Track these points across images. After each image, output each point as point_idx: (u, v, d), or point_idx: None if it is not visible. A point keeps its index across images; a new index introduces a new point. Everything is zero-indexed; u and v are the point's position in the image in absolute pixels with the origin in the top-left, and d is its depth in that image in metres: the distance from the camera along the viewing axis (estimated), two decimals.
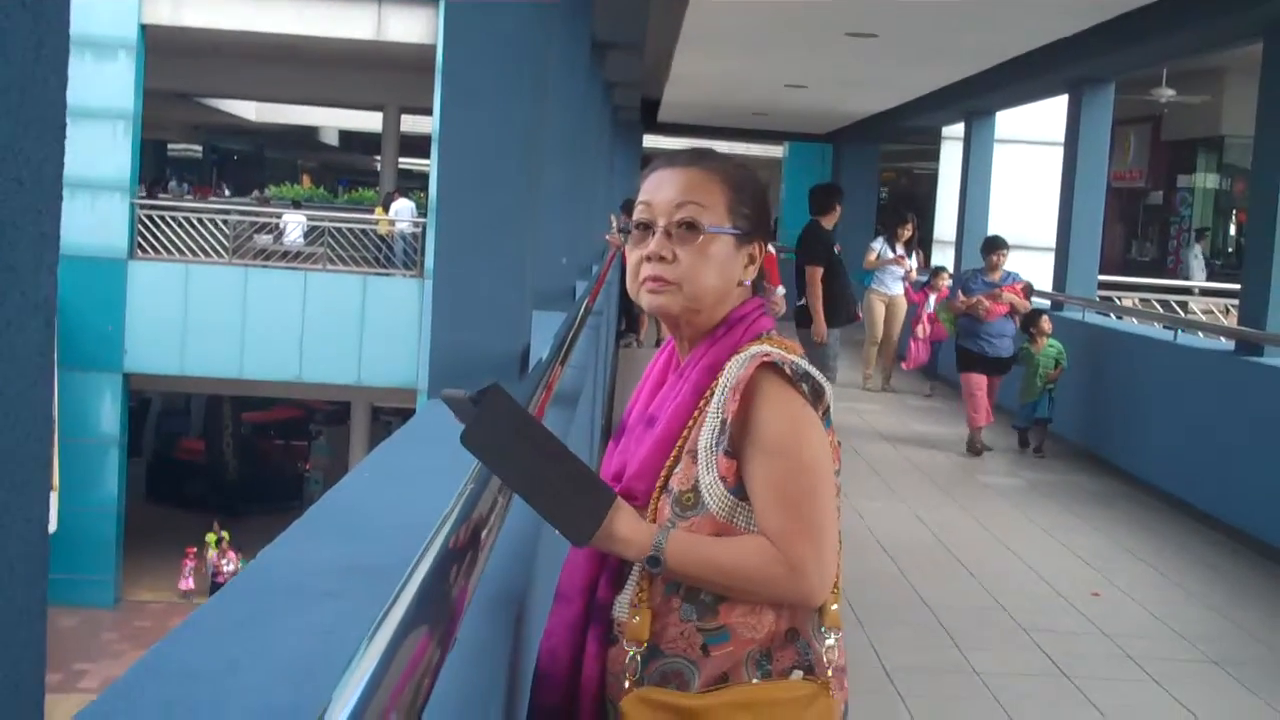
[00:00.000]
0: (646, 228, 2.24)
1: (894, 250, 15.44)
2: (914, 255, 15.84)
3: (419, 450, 3.53)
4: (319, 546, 2.53)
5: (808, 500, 2.12)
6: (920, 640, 6.48)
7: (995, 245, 12.18)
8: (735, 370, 2.15)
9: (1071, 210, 13.81)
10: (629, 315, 18.36)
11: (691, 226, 2.20)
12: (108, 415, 20.23)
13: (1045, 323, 11.84)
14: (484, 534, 2.02)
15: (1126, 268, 27.61)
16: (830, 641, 2.18)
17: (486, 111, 4.47)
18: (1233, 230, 28.77)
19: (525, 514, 2.95)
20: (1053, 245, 14.57)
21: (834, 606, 2.20)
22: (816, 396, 2.15)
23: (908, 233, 15.56)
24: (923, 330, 14.72)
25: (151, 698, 1.75)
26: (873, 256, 15.57)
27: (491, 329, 4.41)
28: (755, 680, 2.11)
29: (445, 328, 4.45)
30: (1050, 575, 7.84)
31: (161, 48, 22.28)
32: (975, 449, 11.74)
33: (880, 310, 15.56)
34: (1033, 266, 17.58)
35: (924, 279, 15.58)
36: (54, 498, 17.68)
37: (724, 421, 2.13)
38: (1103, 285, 15.81)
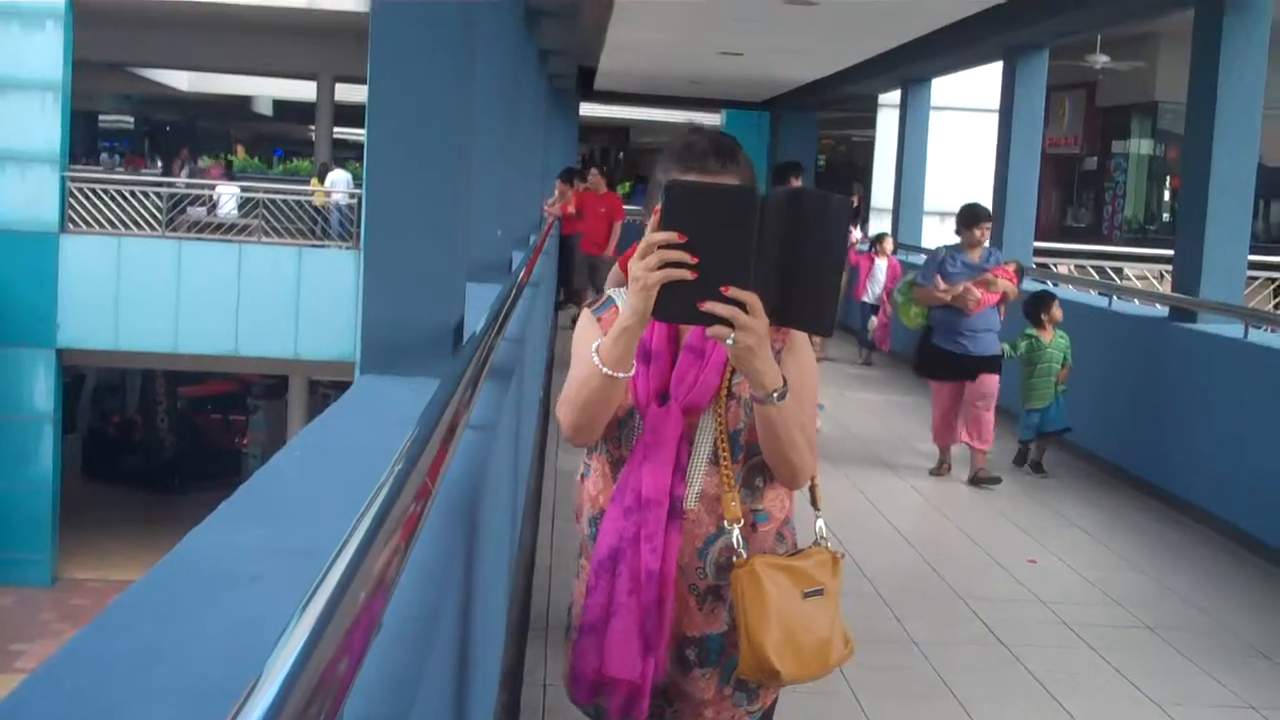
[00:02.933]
0: None
1: None
2: (857, 226, 15.85)
3: (351, 428, 3.49)
4: (246, 529, 2.48)
5: (814, 403, 2.84)
6: (857, 609, 6.50)
7: (976, 217, 9.63)
8: None
9: (1007, 177, 13.87)
10: (568, 286, 18.32)
11: None
12: (41, 391, 19.95)
13: (1056, 309, 9.87)
14: (413, 512, 1.99)
15: (1062, 234, 27.80)
16: (821, 520, 2.84)
17: (416, 79, 4.41)
18: (1166, 196, 29.02)
19: (462, 489, 2.93)
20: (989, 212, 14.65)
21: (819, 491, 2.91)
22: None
23: (854, 202, 15.43)
24: (887, 312, 14.72)
25: (71, 687, 1.71)
26: None
27: (425, 301, 4.35)
28: (780, 551, 2.77)
29: (377, 301, 4.39)
30: (986, 543, 7.89)
31: (91, 17, 21.94)
32: (939, 469, 9.82)
33: None
34: None
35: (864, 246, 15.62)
36: None
37: (775, 352, 2.60)
38: (1038, 252, 15.91)
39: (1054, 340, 9.81)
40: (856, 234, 15.61)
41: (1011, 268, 9.68)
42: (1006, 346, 9.67)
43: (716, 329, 2.36)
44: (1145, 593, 7.13)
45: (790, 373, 2.58)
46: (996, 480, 9.38)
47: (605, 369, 2.52)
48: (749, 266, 2.33)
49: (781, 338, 2.68)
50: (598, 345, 2.55)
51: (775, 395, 2.51)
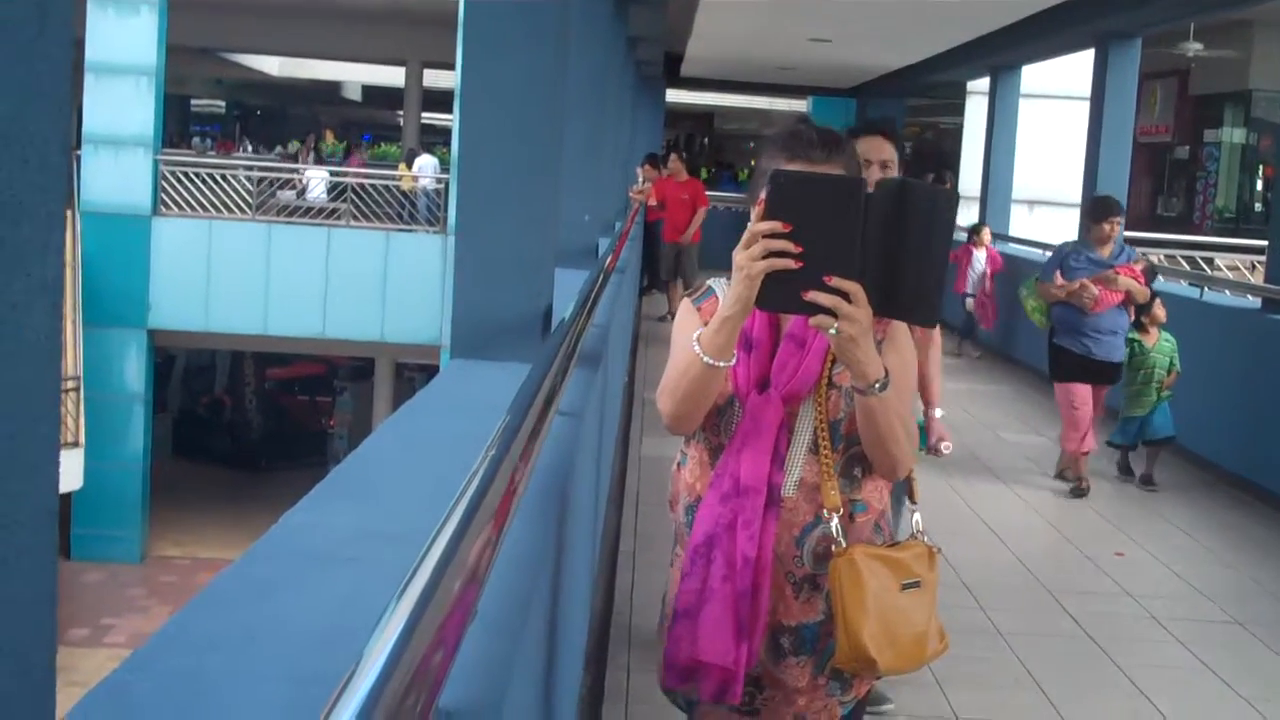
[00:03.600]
0: None
1: None
2: None
3: (443, 412, 3.51)
4: (341, 512, 2.51)
5: (910, 399, 2.81)
6: (943, 599, 6.44)
7: (1106, 210, 8.90)
8: None
9: (1097, 165, 13.68)
10: (652, 273, 18.31)
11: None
12: (133, 372, 20.24)
13: (1159, 309, 9.08)
14: (510, 499, 2.00)
15: (1153, 224, 27.44)
16: (917, 515, 2.92)
17: (508, 64, 4.42)
18: (1259, 186, 28.55)
19: (552, 475, 2.94)
20: (1078, 201, 14.47)
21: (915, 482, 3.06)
22: None
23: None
24: (986, 291, 14.81)
25: (171, 668, 1.73)
26: None
27: (515, 286, 4.37)
28: (877, 543, 2.76)
29: (468, 285, 4.41)
30: (1073, 536, 7.81)
31: (184, 2, 22.20)
32: (1077, 485, 8.92)
33: None
34: (1058, 223, 17.51)
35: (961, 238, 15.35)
36: (80, 454, 17.80)
37: (876, 342, 2.58)
38: (1128, 242, 15.70)
39: (1158, 344, 9.03)
40: None
41: (1140, 267, 8.96)
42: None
43: (820, 319, 2.38)
44: (1235, 588, 7.04)
45: (890, 363, 2.59)
46: (1081, 490, 8.83)
47: (706, 358, 2.55)
48: (854, 257, 2.35)
49: (881, 328, 2.66)
50: (699, 334, 2.57)
51: (877, 385, 2.52)
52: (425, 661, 1.34)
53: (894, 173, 4.15)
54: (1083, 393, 8.82)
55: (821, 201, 2.36)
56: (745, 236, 2.40)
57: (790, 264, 2.36)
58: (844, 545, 2.64)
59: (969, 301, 15.41)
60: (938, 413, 5.24)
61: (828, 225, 2.35)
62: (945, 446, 5.23)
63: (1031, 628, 6.20)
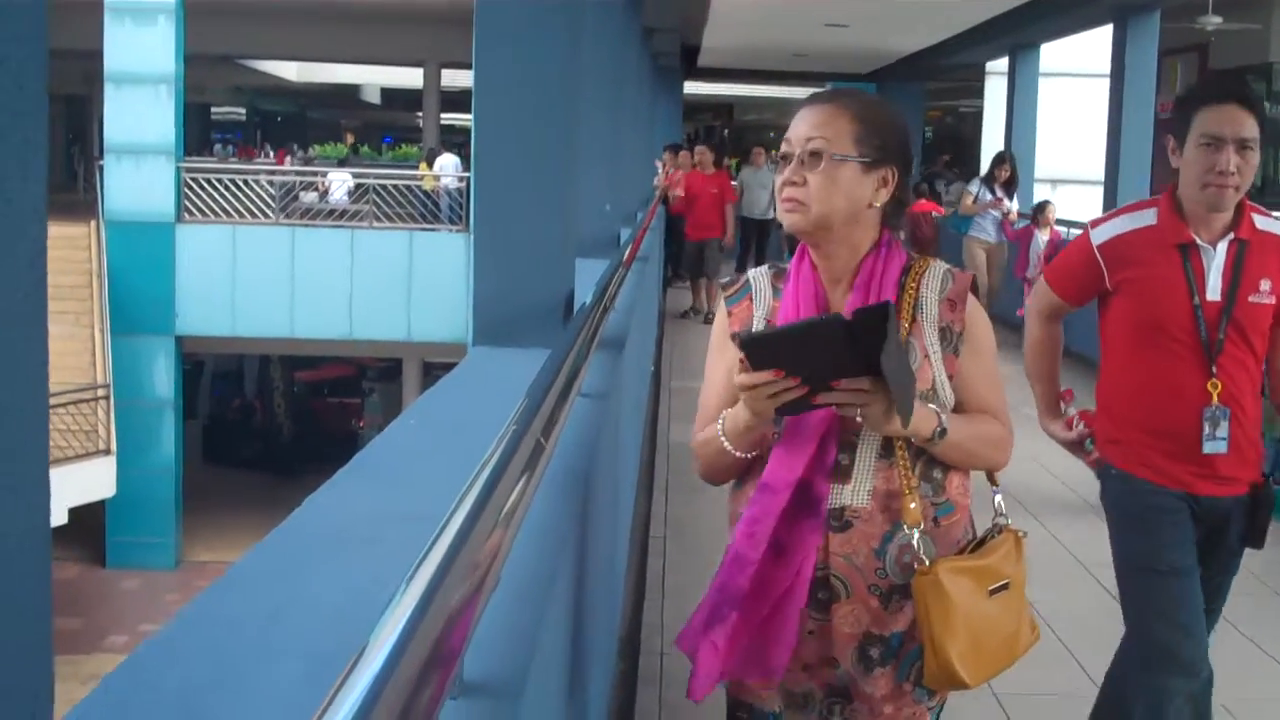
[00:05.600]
0: (786, 158, 2.57)
1: (993, 193, 14.19)
2: (1014, 198, 14.49)
3: (464, 397, 3.51)
4: (363, 494, 2.51)
5: (1001, 384, 2.72)
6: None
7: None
8: (941, 285, 2.61)
9: (1119, 142, 13.64)
10: (675, 264, 18.30)
11: (816, 155, 2.52)
12: (161, 378, 20.36)
13: None
14: (527, 476, 2.00)
15: None
16: (999, 498, 2.73)
17: (521, 56, 4.42)
18: None
19: (576, 454, 2.93)
20: (1101, 179, 14.40)
21: None
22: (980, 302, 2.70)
23: (1005, 174, 14.29)
24: (1034, 270, 13.39)
25: (194, 646, 1.74)
26: (970, 200, 14.37)
27: (535, 274, 4.37)
28: (965, 540, 2.64)
29: (488, 274, 4.41)
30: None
31: (201, 10, 22.27)
32: None
33: (982, 258, 14.23)
34: (1082, 201, 17.43)
35: (1024, 220, 14.44)
36: (112, 462, 17.91)
37: (949, 329, 2.59)
38: None
39: None
40: (1011, 205, 14.34)
41: None
42: None
43: (845, 408, 2.43)
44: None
45: (968, 369, 2.61)
46: None
47: (733, 450, 2.59)
48: (854, 371, 2.38)
49: (959, 318, 2.61)
50: (724, 423, 2.58)
51: (936, 436, 2.52)
52: (440, 638, 1.34)
53: (1255, 157, 3.42)
54: None
55: (801, 345, 2.38)
56: (738, 381, 2.43)
57: (793, 394, 2.39)
58: (926, 563, 2.50)
59: (1027, 287, 14.11)
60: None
61: (818, 357, 2.37)
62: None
63: (1065, 602, 6.17)
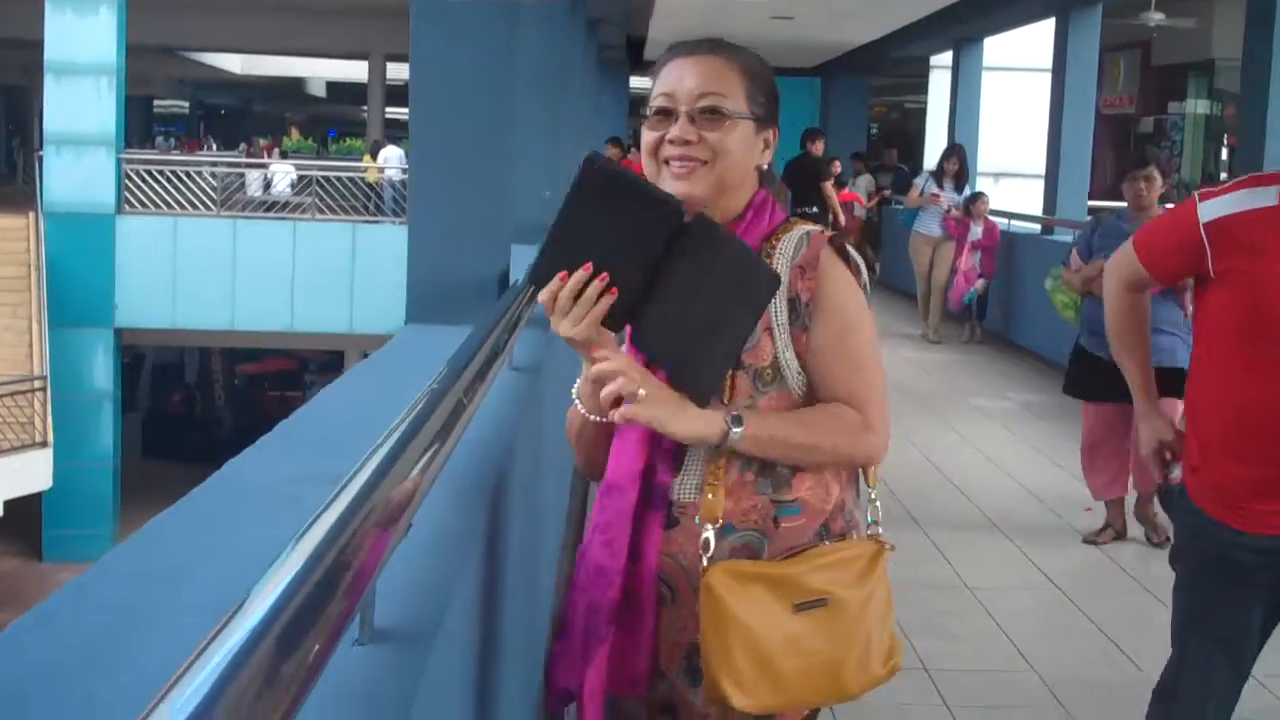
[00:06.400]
0: (668, 114, 2.25)
1: (941, 186, 14.04)
2: (963, 191, 14.11)
3: (392, 369, 3.51)
4: (285, 457, 2.51)
5: (871, 365, 2.29)
6: (911, 555, 6.48)
7: (1135, 163, 6.97)
8: (794, 250, 2.25)
9: (1060, 137, 13.73)
10: None
11: (715, 112, 2.23)
12: (100, 371, 20.20)
13: None
14: (444, 435, 2.00)
15: (1119, 195, 27.51)
16: (872, 495, 2.36)
17: (457, 41, 4.45)
18: (1224, 155, 28.68)
19: (502, 421, 2.93)
20: (1043, 172, 14.51)
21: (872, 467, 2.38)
22: (858, 274, 2.30)
23: (954, 167, 14.12)
24: (965, 262, 13.62)
25: (102, 598, 1.73)
26: (915, 193, 14.41)
27: (468, 252, 4.39)
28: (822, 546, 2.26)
29: (422, 252, 4.44)
30: (1041, 492, 7.84)
31: (144, 1, 22.11)
32: (1096, 536, 6.87)
33: (926, 252, 14.16)
34: (1022, 194, 17.55)
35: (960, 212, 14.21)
36: (49, 454, 17.75)
37: (798, 299, 2.22)
38: (1093, 213, 15.74)
39: None
40: (952, 198, 13.98)
41: None
42: None
43: (622, 411, 2.11)
44: None
45: (816, 343, 2.24)
46: (1165, 542, 6.50)
47: (584, 410, 2.31)
48: (637, 285, 2.09)
49: (810, 286, 2.23)
50: (578, 384, 2.33)
51: (732, 438, 2.16)
52: (336, 583, 1.34)
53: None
54: (1098, 414, 6.84)
55: (626, 210, 2.08)
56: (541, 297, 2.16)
57: (598, 300, 2.08)
58: (704, 563, 2.19)
59: (962, 280, 14.00)
60: None
61: (623, 236, 2.07)
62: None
63: (1000, 582, 6.22)
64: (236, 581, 1.76)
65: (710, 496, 2.20)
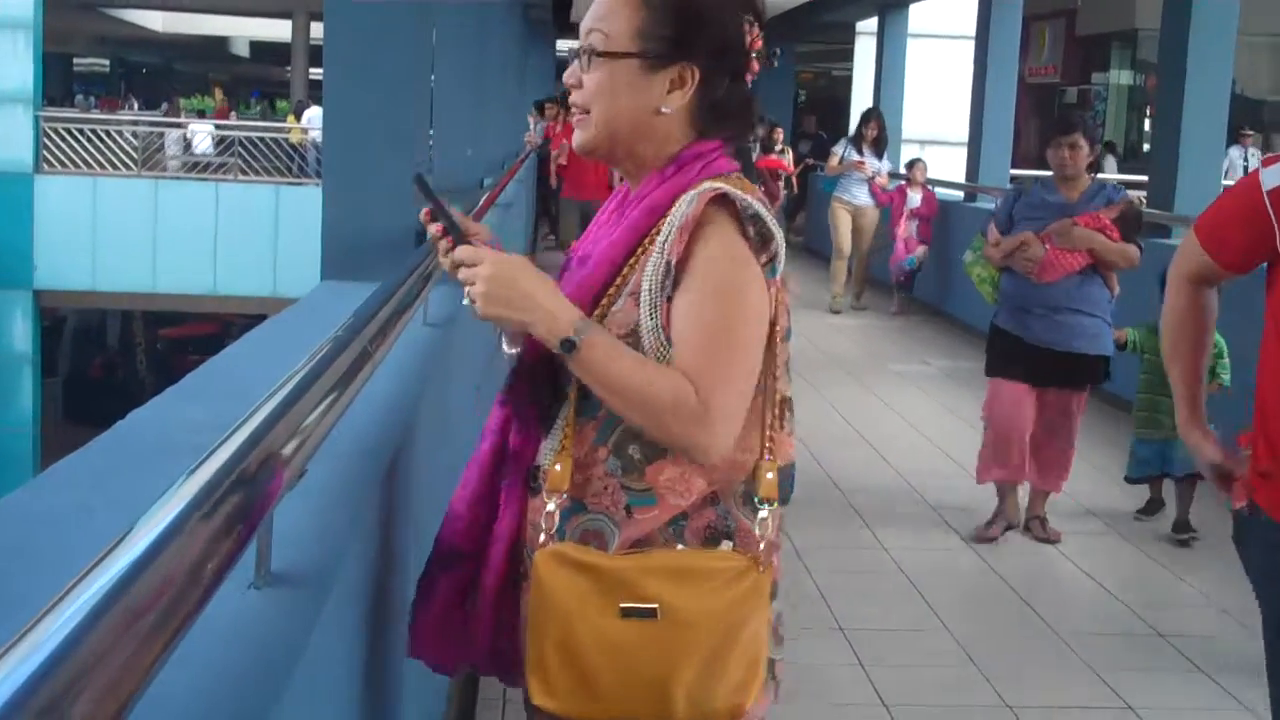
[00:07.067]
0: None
1: (860, 153, 13.75)
2: (884, 158, 14.10)
3: (304, 323, 3.50)
4: (192, 405, 2.50)
5: (733, 347, 1.94)
6: (829, 518, 6.54)
7: (1066, 126, 6.28)
8: (684, 209, 1.95)
9: (984, 103, 13.82)
10: (550, 216, 18.21)
11: (591, 52, 2.02)
12: (19, 333, 19.93)
13: None
14: (344, 383, 2.01)
15: (1044, 164, 27.75)
16: (764, 514, 2.01)
17: None
18: (1146, 126, 28.99)
19: (410, 374, 2.93)
20: (965, 140, 14.61)
21: (769, 475, 2.02)
22: (763, 241, 1.96)
23: (873, 132, 13.86)
24: (904, 229, 13.44)
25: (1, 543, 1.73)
26: (835, 161, 13.94)
27: (382, 208, 4.39)
28: (678, 546, 1.98)
29: (336, 207, 4.42)
30: (959, 455, 7.92)
31: None
32: (987, 528, 6.38)
33: (846, 221, 13.76)
34: (947, 161, 17.67)
35: (897, 180, 14.16)
36: None
37: (669, 263, 1.94)
38: (1017, 180, 15.85)
39: None
40: (879, 165, 13.83)
41: (1111, 215, 6.04)
42: (1131, 332, 6.44)
43: (467, 302, 1.97)
44: (1114, 501, 7.14)
45: (675, 309, 1.96)
46: (1052, 540, 6.35)
47: (506, 347, 2.18)
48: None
49: (679, 249, 1.95)
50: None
51: (563, 345, 1.91)
52: (222, 525, 1.34)
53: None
54: (1010, 394, 6.24)
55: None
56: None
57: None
58: (541, 538, 1.99)
59: (899, 247, 13.73)
60: None
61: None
62: None
63: (916, 543, 6.29)
64: (130, 522, 1.77)
65: (558, 467, 1.98)
